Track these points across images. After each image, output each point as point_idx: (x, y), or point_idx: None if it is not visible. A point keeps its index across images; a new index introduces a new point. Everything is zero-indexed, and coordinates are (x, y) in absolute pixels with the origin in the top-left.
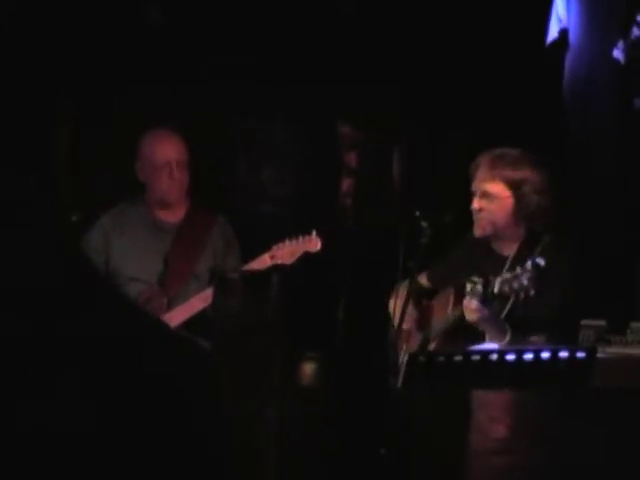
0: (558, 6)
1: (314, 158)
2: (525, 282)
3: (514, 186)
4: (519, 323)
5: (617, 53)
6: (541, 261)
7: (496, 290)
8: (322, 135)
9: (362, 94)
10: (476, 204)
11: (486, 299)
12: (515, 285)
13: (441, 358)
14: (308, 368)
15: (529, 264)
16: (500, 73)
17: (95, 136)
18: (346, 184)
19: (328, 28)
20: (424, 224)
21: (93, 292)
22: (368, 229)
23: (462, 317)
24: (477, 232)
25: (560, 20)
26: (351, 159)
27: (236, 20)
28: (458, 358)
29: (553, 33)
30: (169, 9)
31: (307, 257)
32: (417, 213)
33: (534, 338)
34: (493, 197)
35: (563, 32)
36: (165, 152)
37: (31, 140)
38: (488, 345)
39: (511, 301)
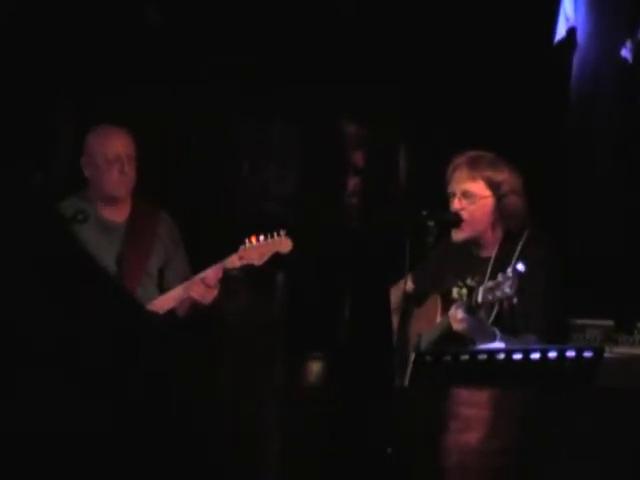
0: (566, 5)
1: (316, 157)
2: (507, 290)
3: (494, 186)
4: (508, 325)
5: (625, 52)
6: (522, 267)
7: (480, 299)
8: (323, 134)
9: (362, 94)
10: (457, 205)
11: (471, 309)
12: (498, 293)
13: (448, 357)
14: (312, 367)
15: (509, 271)
16: (507, 72)
17: None
18: (352, 183)
19: (328, 28)
20: (430, 223)
21: (94, 288)
22: (374, 228)
23: (450, 326)
24: (457, 235)
25: (568, 19)
26: (357, 158)
27: (236, 20)
28: (465, 357)
29: (561, 32)
30: (169, 9)
31: (310, 257)
32: (424, 212)
33: (529, 336)
34: (474, 197)
35: (571, 31)
36: (116, 146)
37: (32, 140)
38: (495, 344)
39: (497, 307)
